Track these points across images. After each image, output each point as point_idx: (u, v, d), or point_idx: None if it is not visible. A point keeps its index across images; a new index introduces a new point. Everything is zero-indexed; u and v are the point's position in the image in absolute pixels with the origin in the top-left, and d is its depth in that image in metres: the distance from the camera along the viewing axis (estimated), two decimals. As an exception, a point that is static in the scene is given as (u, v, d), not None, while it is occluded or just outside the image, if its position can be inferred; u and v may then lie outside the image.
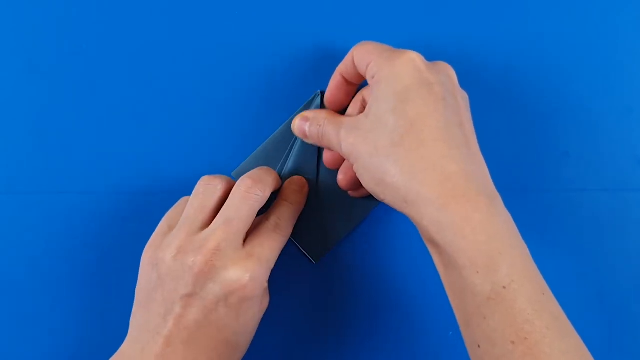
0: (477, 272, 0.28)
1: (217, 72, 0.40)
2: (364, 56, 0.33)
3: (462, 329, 0.31)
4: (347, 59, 0.35)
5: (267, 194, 0.35)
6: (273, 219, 0.35)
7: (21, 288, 0.39)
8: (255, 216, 0.34)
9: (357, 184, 0.36)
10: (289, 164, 0.39)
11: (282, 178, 0.39)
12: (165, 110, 0.40)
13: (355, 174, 0.33)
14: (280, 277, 0.39)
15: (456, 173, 0.29)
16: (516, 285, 0.28)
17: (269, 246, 0.34)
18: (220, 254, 0.32)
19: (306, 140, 0.37)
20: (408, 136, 0.30)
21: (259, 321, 0.34)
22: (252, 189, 0.34)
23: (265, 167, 0.37)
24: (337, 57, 0.39)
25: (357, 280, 0.40)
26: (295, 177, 0.39)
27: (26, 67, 0.40)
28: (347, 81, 0.36)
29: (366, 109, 0.32)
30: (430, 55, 0.34)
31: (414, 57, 0.31)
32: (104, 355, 0.39)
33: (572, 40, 0.41)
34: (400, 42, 0.39)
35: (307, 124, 0.36)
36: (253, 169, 0.39)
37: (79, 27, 0.40)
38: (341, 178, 0.37)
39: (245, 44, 0.40)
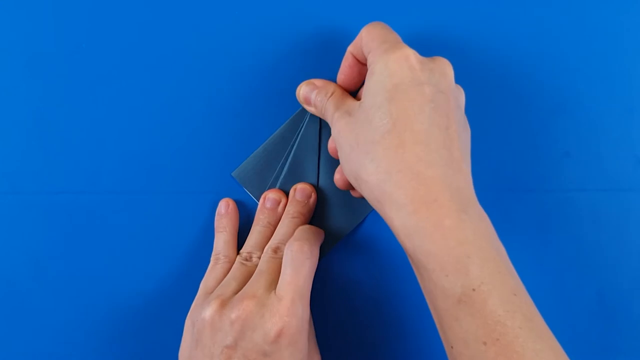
0: (447, 276, 0.28)
1: (217, 71, 0.40)
2: (367, 43, 0.33)
3: (437, 329, 0.31)
4: (357, 40, 0.34)
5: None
6: (289, 244, 0.35)
7: (21, 288, 0.39)
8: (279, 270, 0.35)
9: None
10: (289, 164, 0.39)
11: (283, 178, 0.39)
12: (165, 110, 0.40)
13: None
14: None
15: (431, 178, 0.29)
16: (486, 287, 0.28)
17: (296, 279, 0.33)
18: (255, 302, 0.32)
19: (306, 108, 0.37)
20: (389, 135, 0.30)
21: None
22: (277, 251, 0.36)
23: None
24: (339, 54, 0.39)
25: (357, 279, 0.40)
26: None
27: (26, 67, 0.40)
28: (358, 60, 0.35)
29: (361, 98, 0.32)
30: (431, 50, 0.34)
31: (408, 54, 0.31)
32: (104, 355, 0.39)
33: (572, 40, 0.41)
34: (403, 33, 0.39)
35: (314, 92, 0.36)
36: (253, 169, 0.39)
37: (78, 27, 0.40)
38: (338, 177, 0.37)
39: (245, 43, 0.40)
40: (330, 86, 0.36)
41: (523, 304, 0.28)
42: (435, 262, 0.29)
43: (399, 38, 0.33)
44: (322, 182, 0.39)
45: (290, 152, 0.39)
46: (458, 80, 0.33)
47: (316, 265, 0.35)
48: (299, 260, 0.34)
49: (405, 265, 0.39)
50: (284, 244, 0.36)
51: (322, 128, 0.39)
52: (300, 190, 0.38)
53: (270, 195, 0.38)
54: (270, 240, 0.37)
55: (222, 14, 0.40)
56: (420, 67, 0.31)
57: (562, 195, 0.40)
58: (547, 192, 0.40)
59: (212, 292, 0.35)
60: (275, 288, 0.33)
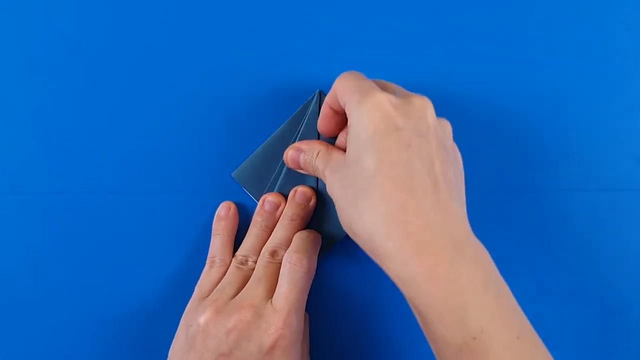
0: (445, 327, 0.28)
1: (217, 71, 0.40)
2: (341, 96, 0.32)
3: None
4: (331, 92, 0.34)
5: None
6: (287, 257, 0.35)
7: (21, 288, 0.39)
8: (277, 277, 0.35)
9: None
10: (289, 166, 0.39)
11: (282, 178, 0.39)
12: (165, 111, 0.40)
13: None
14: None
15: (419, 226, 0.28)
16: (486, 335, 0.27)
17: (291, 293, 0.34)
18: (253, 312, 0.33)
19: (300, 171, 0.37)
20: (371, 188, 0.29)
21: None
22: (274, 255, 0.36)
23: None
24: (338, 56, 0.39)
25: (356, 280, 0.40)
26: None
27: (26, 67, 0.40)
28: (335, 111, 0.35)
29: (346, 151, 0.32)
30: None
31: (380, 101, 0.30)
32: (104, 354, 0.39)
33: (572, 40, 0.41)
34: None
35: (301, 156, 0.36)
36: (252, 169, 0.39)
37: (79, 27, 0.40)
38: None
39: (245, 43, 0.40)
40: (315, 146, 0.36)
41: (527, 347, 0.28)
42: (432, 312, 0.28)
43: (371, 84, 0.32)
44: (322, 184, 0.39)
45: None
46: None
47: (313, 276, 0.36)
48: (296, 274, 0.34)
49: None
50: (282, 248, 0.36)
51: None
52: (301, 193, 0.38)
53: (270, 198, 0.38)
54: (267, 243, 0.37)
55: (222, 14, 0.40)
56: (394, 112, 0.30)
57: (562, 195, 0.40)
58: (547, 192, 0.40)
59: (207, 295, 0.35)
60: (271, 297, 0.34)
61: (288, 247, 0.36)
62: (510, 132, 0.40)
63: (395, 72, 0.40)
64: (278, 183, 0.39)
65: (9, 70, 0.40)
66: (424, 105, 0.31)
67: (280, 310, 0.33)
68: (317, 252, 0.37)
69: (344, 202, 0.31)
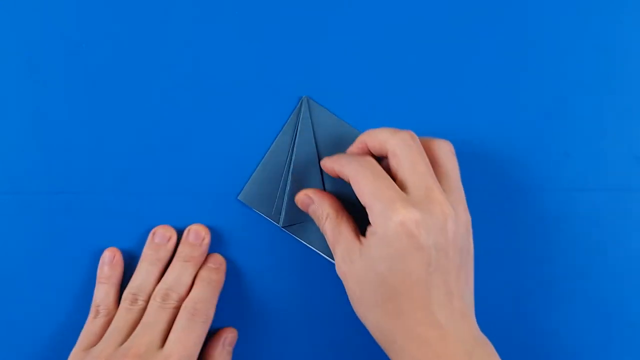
0: None
1: (217, 71, 0.40)
2: (361, 195, 0.32)
3: None
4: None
5: (180, 297, 0.36)
6: (190, 304, 0.35)
7: (21, 288, 0.39)
8: (172, 319, 0.35)
9: None
10: (292, 174, 0.39)
11: (289, 189, 0.39)
12: (164, 111, 0.40)
13: None
14: (299, 280, 0.40)
15: (435, 338, 0.30)
16: None
17: (188, 339, 0.34)
18: None
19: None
20: (390, 303, 0.31)
21: None
22: (166, 298, 0.35)
23: (190, 276, 0.37)
24: (325, 63, 0.39)
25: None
26: (213, 254, 0.38)
27: (26, 67, 0.40)
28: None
29: (362, 244, 0.32)
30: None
31: (406, 222, 0.30)
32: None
33: (572, 40, 0.41)
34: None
35: (311, 207, 0.36)
36: (257, 188, 0.39)
37: (78, 27, 0.40)
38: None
39: (245, 43, 0.40)
40: (325, 205, 0.35)
41: None
42: None
43: (391, 186, 0.32)
44: (328, 186, 0.39)
45: (290, 162, 0.39)
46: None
47: (209, 327, 0.35)
48: (193, 323, 0.34)
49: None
50: (174, 291, 0.36)
51: (316, 132, 0.39)
52: (194, 232, 0.38)
53: (160, 231, 0.38)
54: (159, 285, 0.36)
55: (222, 14, 0.40)
56: (417, 230, 0.30)
57: (562, 195, 0.40)
58: (547, 192, 0.40)
59: (91, 346, 0.34)
60: (163, 343, 0.33)
61: (180, 289, 0.36)
62: (510, 132, 0.40)
63: (389, 76, 0.40)
64: (286, 195, 0.39)
65: (9, 70, 0.40)
66: (444, 217, 0.31)
67: (171, 356, 0.32)
68: (217, 296, 0.37)
69: (358, 299, 0.33)
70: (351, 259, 0.33)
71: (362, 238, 0.33)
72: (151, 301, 0.36)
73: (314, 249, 0.39)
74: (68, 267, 0.39)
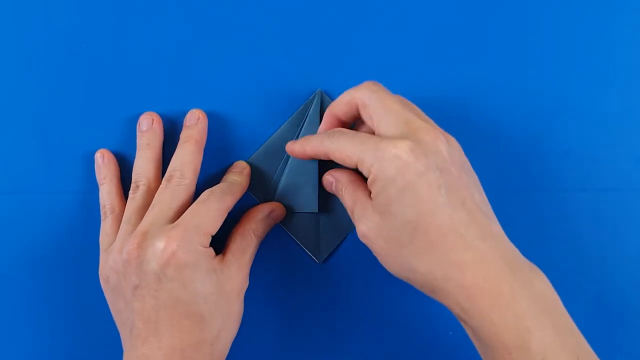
0: (510, 354, 0.28)
1: (217, 71, 0.40)
2: (350, 153, 0.32)
3: None
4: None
5: (190, 181, 0.36)
6: (206, 192, 0.36)
7: (21, 288, 0.39)
8: (181, 200, 0.35)
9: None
10: (290, 164, 0.39)
11: (284, 179, 0.39)
12: (164, 111, 0.40)
13: None
14: (285, 278, 0.40)
15: (473, 260, 0.29)
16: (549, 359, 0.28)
17: (196, 212, 0.34)
18: (147, 235, 0.33)
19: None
20: (416, 239, 0.30)
21: (221, 288, 0.34)
22: (170, 179, 0.36)
23: (190, 153, 0.37)
24: (339, 55, 0.39)
25: (361, 279, 0.40)
26: (238, 161, 0.39)
27: (26, 67, 0.40)
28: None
29: (372, 199, 0.32)
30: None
31: (398, 153, 0.30)
32: (104, 354, 0.39)
33: (572, 40, 0.41)
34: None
35: (334, 183, 0.36)
36: (254, 170, 0.39)
37: (79, 27, 0.40)
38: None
39: (244, 44, 0.40)
40: (343, 179, 0.35)
41: None
42: (497, 340, 0.29)
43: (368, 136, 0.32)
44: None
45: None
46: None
47: (225, 209, 0.35)
48: (208, 201, 0.35)
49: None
50: (176, 170, 0.36)
51: None
52: (189, 114, 0.39)
53: (143, 117, 0.39)
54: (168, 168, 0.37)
55: (223, 15, 0.40)
56: (414, 157, 0.30)
57: (562, 195, 0.40)
58: (547, 192, 0.40)
59: (109, 247, 0.36)
60: (170, 219, 0.34)
61: (183, 167, 0.36)
62: (510, 132, 0.40)
63: (395, 73, 0.40)
64: (280, 184, 0.39)
65: (9, 70, 0.40)
66: (433, 139, 0.31)
67: (178, 225, 0.33)
68: (241, 194, 0.38)
69: (388, 254, 0.32)
70: (367, 217, 0.32)
71: (372, 194, 0.32)
72: (160, 186, 0.36)
73: (299, 243, 0.39)
74: (68, 267, 0.39)
